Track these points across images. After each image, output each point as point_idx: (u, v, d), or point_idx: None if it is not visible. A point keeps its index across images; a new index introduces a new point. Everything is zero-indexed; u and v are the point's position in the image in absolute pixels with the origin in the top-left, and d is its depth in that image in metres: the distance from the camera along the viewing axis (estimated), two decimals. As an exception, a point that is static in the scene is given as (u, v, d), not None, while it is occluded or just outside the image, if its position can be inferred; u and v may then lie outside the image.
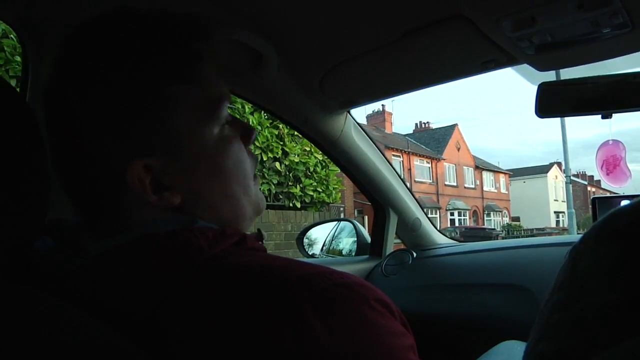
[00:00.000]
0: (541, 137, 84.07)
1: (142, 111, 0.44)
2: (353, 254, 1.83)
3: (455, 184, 29.11)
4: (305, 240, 1.95)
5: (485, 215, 31.20)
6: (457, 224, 27.27)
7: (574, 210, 16.79)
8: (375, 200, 1.69)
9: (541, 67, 1.04)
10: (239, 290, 0.38)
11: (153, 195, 0.45)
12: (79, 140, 0.45)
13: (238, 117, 0.59)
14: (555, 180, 35.89)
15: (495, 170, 33.69)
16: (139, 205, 0.45)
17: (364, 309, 0.39)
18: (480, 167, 31.74)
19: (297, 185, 7.13)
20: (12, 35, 3.57)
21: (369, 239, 1.80)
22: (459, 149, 29.68)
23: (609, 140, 1.23)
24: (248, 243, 0.45)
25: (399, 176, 1.68)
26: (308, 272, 0.40)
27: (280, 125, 6.50)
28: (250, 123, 3.74)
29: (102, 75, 0.44)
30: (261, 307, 0.37)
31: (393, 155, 23.85)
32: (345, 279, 0.40)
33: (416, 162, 26.40)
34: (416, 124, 33.25)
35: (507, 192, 34.18)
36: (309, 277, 0.39)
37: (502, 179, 34.16)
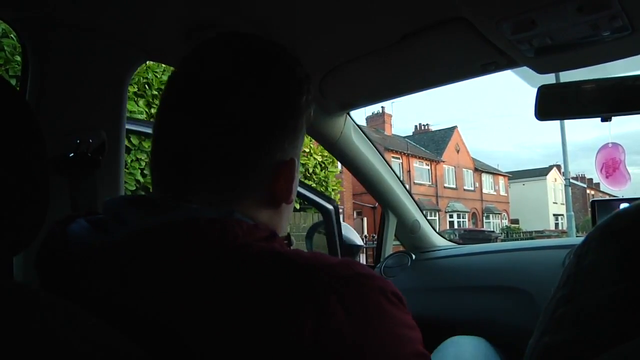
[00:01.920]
0: (540, 140, 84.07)
1: (292, 123, 0.53)
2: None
3: (454, 186, 29.09)
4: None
5: (484, 217, 31.17)
6: (456, 226, 27.25)
7: (573, 213, 16.78)
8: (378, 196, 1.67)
9: (541, 69, 1.05)
10: (267, 274, 0.41)
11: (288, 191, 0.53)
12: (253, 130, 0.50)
13: None
14: (554, 182, 35.88)
15: (495, 173, 33.66)
16: (252, 194, 0.51)
17: (381, 299, 0.42)
18: (480, 169, 31.71)
19: (297, 187, 7.12)
20: (12, 35, 3.57)
21: (357, 240, 1.76)
22: (458, 151, 29.67)
23: (608, 143, 1.23)
24: (277, 240, 0.47)
25: (398, 178, 1.68)
26: (333, 261, 0.43)
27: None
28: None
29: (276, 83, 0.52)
30: (287, 290, 0.39)
31: (392, 157, 23.84)
32: (367, 270, 0.43)
33: (415, 164, 26.38)
34: (416, 126, 33.20)
35: (506, 195, 34.16)
36: (334, 266, 0.42)
37: (502, 181, 34.14)
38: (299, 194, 1.65)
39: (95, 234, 0.48)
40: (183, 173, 0.50)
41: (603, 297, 0.34)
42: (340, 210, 10.29)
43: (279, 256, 0.42)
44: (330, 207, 1.67)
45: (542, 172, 36.82)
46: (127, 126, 1.07)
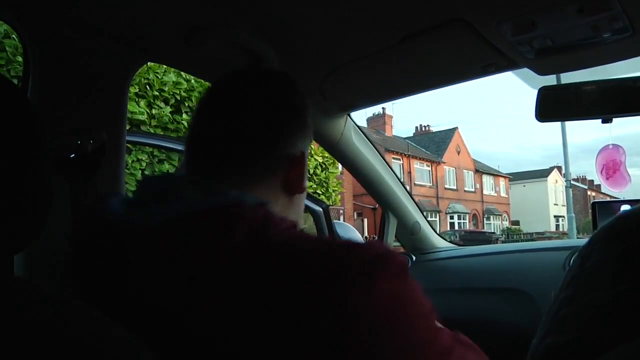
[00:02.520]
0: (541, 141, 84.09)
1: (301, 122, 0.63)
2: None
3: (455, 187, 29.06)
4: None
5: (485, 219, 31.13)
6: (456, 227, 27.20)
7: (573, 215, 16.75)
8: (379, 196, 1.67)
9: (541, 71, 1.05)
10: (289, 257, 0.43)
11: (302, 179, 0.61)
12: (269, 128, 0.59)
13: None
14: (555, 184, 35.84)
15: (495, 174, 33.62)
16: (265, 180, 0.58)
17: (403, 278, 0.44)
18: (480, 170, 31.67)
19: (297, 188, 7.12)
20: (13, 36, 3.58)
21: (357, 237, 1.78)
22: (459, 153, 29.65)
23: (609, 145, 1.23)
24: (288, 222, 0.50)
25: (399, 179, 1.68)
26: (351, 243, 0.45)
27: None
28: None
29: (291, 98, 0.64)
30: (308, 272, 0.42)
31: (393, 158, 23.83)
32: (385, 250, 0.45)
33: (416, 165, 26.37)
34: (416, 127, 33.16)
35: (507, 196, 34.12)
36: (353, 247, 0.44)
37: (502, 182, 34.10)
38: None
39: (134, 212, 0.52)
40: (213, 160, 0.57)
41: (606, 297, 0.35)
42: (341, 212, 10.28)
43: (299, 240, 0.45)
44: (318, 209, 1.65)
45: (543, 174, 36.78)
46: (128, 137, 1.07)
